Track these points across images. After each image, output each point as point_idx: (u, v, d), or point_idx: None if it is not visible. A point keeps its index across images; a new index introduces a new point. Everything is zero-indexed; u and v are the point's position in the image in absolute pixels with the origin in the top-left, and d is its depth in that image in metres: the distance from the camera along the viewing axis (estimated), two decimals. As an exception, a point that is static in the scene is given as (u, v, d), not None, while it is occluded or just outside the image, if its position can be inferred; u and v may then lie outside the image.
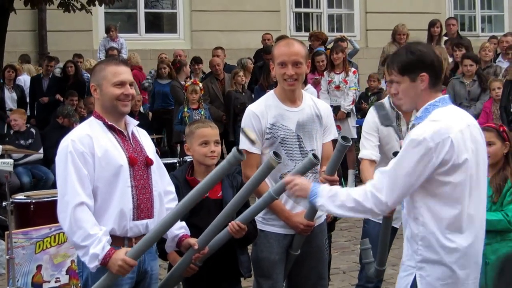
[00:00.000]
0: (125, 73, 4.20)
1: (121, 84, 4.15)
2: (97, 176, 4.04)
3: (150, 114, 13.53)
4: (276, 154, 4.03)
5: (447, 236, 3.68)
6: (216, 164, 4.46)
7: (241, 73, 12.55)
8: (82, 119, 10.21)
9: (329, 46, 13.61)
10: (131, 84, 4.23)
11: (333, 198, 3.74)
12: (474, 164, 3.70)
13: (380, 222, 4.88)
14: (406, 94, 3.78)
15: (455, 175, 3.64)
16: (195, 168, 4.83)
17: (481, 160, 3.79)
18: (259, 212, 4.55)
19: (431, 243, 3.70)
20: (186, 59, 14.23)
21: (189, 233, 4.42)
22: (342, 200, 3.71)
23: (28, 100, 13.40)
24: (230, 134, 12.37)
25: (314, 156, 4.16)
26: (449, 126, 3.63)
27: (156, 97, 13.41)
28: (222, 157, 4.79)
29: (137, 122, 4.38)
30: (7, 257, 6.19)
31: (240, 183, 4.79)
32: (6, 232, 6.29)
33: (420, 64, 3.70)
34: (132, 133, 4.29)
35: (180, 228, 4.40)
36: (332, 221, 5.64)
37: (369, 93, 12.52)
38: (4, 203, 6.62)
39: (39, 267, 6.42)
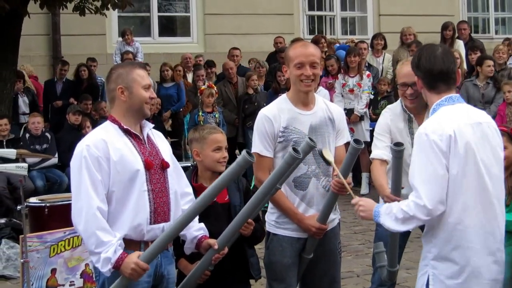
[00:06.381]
0: (148, 77, 4.32)
1: (149, 87, 4.24)
2: (113, 180, 4.05)
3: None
4: (295, 149, 4.03)
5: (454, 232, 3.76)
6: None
7: (255, 77, 12.57)
8: (96, 123, 10.22)
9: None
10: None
11: (390, 215, 3.86)
12: (472, 159, 3.76)
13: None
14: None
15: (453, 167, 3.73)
16: (200, 174, 4.82)
17: (492, 156, 3.86)
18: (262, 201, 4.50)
19: (444, 240, 3.77)
20: (192, 61, 14.35)
21: (208, 234, 4.40)
22: (394, 213, 3.82)
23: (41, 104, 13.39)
24: (239, 136, 12.44)
25: (310, 139, 4.22)
26: (450, 120, 3.78)
27: (161, 100, 13.40)
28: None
29: (152, 125, 4.39)
30: (22, 260, 6.21)
31: (245, 186, 4.81)
32: (21, 236, 6.31)
33: (414, 67, 4.04)
34: (148, 136, 4.30)
35: (199, 230, 4.39)
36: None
37: (379, 98, 12.11)
38: (18, 207, 6.63)
39: (53, 271, 6.45)
